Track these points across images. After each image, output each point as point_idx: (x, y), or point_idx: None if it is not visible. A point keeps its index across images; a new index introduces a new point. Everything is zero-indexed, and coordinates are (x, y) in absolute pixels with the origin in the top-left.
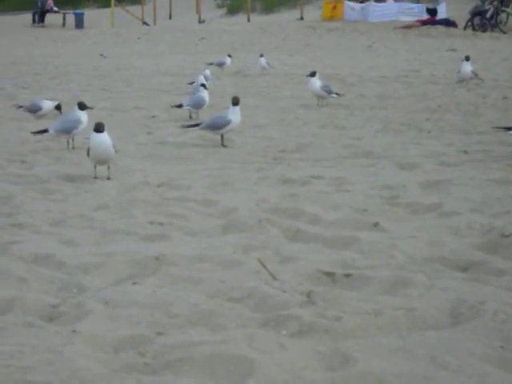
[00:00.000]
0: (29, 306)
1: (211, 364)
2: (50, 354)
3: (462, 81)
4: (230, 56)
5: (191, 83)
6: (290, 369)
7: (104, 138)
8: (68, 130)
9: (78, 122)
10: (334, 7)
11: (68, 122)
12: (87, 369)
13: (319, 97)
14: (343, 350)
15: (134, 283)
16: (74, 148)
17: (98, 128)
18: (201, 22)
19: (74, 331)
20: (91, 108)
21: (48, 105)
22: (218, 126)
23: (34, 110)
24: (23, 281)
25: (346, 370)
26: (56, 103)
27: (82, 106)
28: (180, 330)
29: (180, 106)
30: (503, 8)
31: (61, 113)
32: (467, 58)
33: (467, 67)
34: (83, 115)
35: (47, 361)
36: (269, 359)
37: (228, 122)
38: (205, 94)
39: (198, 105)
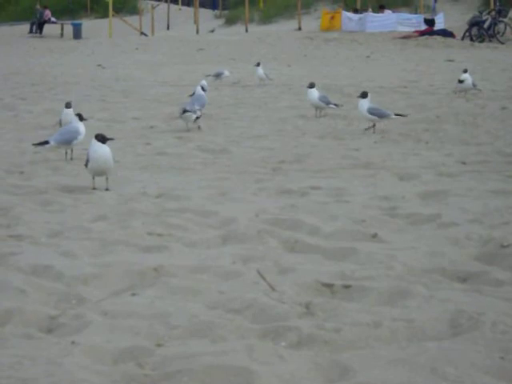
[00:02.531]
0: (28, 317)
1: (210, 375)
2: (49, 365)
3: (461, 91)
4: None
5: (191, 95)
6: (290, 380)
7: (105, 149)
8: (68, 141)
9: (77, 132)
10: (332, 18)
11: (68, 133)
12: (87, 380)
13: (317, 108)
14: (342, 362)
15: (133, 294)
16: (72, 159)
17: (101, 139)
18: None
19: (73, 342)
20: (86, 119)
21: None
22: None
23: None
24: (22, 292)
25: (345, 382)
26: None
27: (81, 117)
28: (179, 341)
29: (185, 111)
30: (501, 18)
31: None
32: (465, 71)
33: (468, 78)
34: (81, 126)
35: (47, 372)
36: (268, 370)
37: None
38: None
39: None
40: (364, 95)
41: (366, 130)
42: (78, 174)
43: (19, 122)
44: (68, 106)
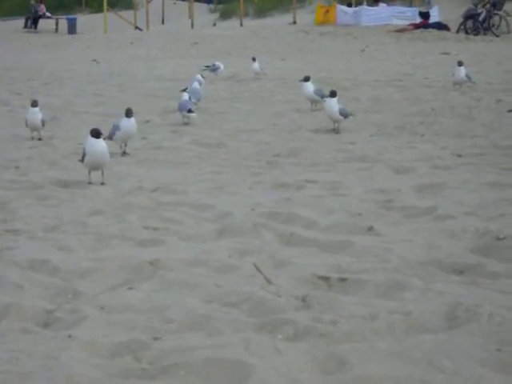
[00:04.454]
0: (24, 311)
1: (207, 368)
2: (46, 359)
3: (455, 84)
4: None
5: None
6: (286, 373)
7: (101, 143)
8: (109, 136)
9: (116, 127)
10: (327, 11)
11: (111, 128)
12: (84, 374)
13: (313, 101)
14: (339, 354)
15: (130, 288)
16: (125, 153)
17: (95, 134)
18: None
19: (70, 337)
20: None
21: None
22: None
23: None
24: (19, 287)
25: (342, 374)
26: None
27: (128, 113)
28: (176, 334)
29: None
30: (496, 11)
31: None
32: (460, 63)
33: (461, 71)
34: (124, 121)
35: (44, 366)
36: (265, 363)
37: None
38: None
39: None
40: (334, 94)
41: (334, 130)
42: (73, 168)
43: (14, 117)
44: (34, 104)
